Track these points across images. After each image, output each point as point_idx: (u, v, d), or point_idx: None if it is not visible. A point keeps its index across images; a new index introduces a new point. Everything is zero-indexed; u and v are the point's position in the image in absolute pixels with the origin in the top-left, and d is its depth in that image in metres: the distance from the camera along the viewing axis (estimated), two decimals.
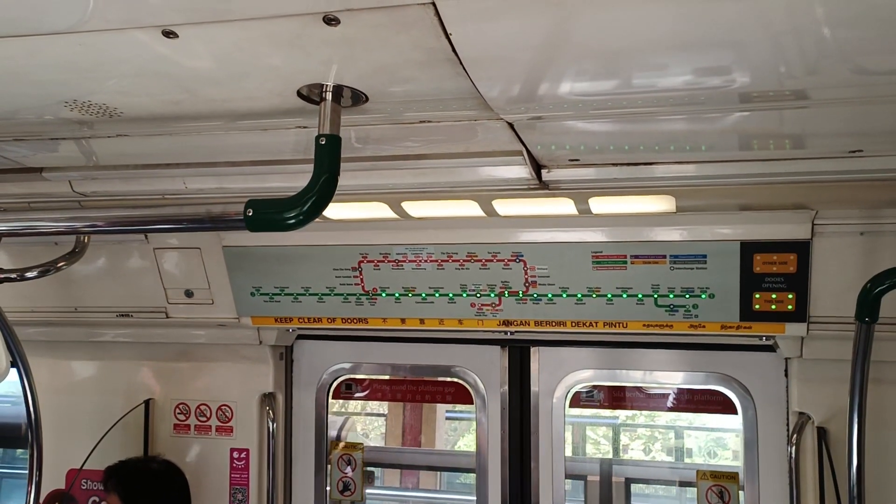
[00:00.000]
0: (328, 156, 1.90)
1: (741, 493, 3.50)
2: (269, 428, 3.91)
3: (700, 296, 3.10)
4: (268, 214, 1.94)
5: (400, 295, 3.46)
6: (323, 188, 1.90)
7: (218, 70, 1.75)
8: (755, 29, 1.47)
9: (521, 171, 2.51)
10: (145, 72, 1.78)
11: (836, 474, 3.10)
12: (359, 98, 1.91)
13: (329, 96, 1.86)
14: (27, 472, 3.41)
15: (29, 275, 3.20)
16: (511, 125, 2.14)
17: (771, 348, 3.36)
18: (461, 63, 1.66)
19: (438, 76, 1.76)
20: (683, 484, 4.07)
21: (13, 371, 3.16)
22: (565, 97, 1.90)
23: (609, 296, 3.21)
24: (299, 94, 1.89)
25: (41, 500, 3.57)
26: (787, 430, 3.35)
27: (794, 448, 3.21)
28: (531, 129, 2.20)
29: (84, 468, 3.94)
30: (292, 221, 1.90)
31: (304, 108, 1.98)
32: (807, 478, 3.22)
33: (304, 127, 2.19)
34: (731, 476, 3.53)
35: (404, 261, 3.37)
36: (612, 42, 1.55)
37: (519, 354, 3.82)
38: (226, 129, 2.26)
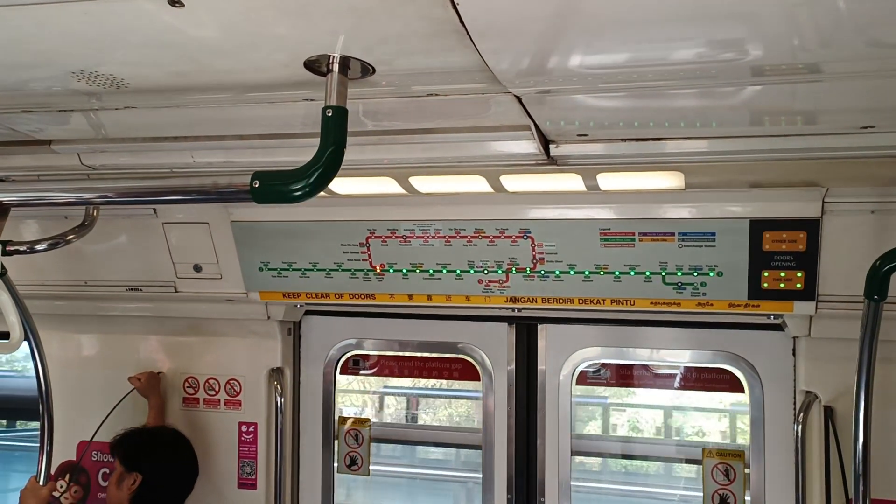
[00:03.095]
0: (335, 128, 1.90)
1: (747, 471, 3.50)
2: (276, 402, 3.94)
3: (708, 273, 3.09)
4: (274, 186, 1.94)
5: (407, 271, 3.47)
6: (329, 160, 1.90)
7: (224, 40, 1.74)
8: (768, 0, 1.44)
9: (529, 147, 2.49)
10: (151, 42, 1.77)
11: (842, 453, 3.10)
12: (366, 70, 1.90)
13: (336, 67, 1.85)
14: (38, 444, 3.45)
15: (39, 247, 3.22)
16: (519, 99, 2.13)
17: (779, 327, 3.35)
18: (468, 34, 1.64)
19: (445, 48, 1.75)
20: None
21: (24, 344, 3.19)
22: (574, 70, 1.88)
23: (617, 273, 3.20)
24: (306, 65, 1.88)
25: (52, 472, 3.61)
26: (794, 408, 3.35)
27: (800, 427, 3.21)
28: (539, 104, 2.18)
29: (94, 440, 3.99)
30: (299, 193, 1.90)
31: (312, 81, 1.97)
32: (813, 456, 3.22)
33: (312, 100, 2.18)
34: (737, 454, 3.54)
35: (412, 237, 3.36)
36: (623, 13, 1.54)
37: (526, 332, 3.82)
38: (233, 101, 2.25)
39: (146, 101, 2.26)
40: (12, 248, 3.05)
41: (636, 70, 1.88)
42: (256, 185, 1.95)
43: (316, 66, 1.88)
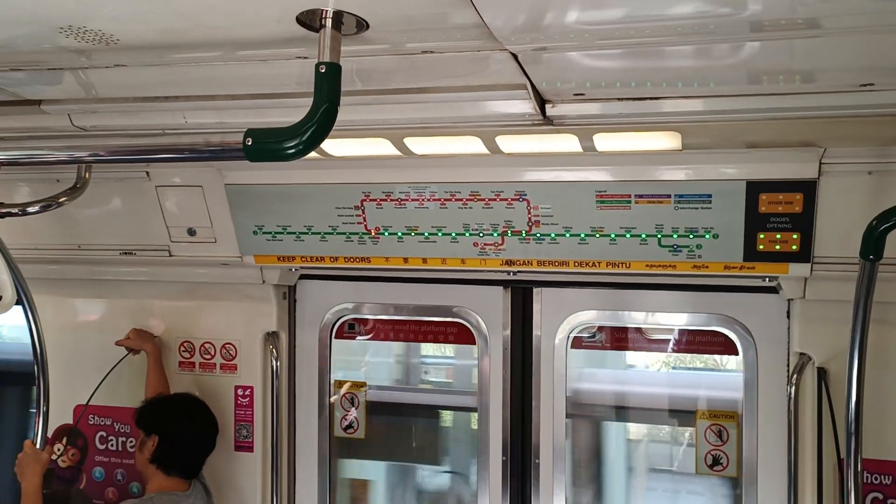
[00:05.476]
0: (328, 84, 1.87)
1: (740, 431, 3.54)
2: (272, 366, 3.95)
3: (704, 235, 3.08)
4: (267, 144, 1.91)
5: (402, 234, 3.45)
6: (323, 118, 1.87)
7: None
8: None
9: (525, 106, 2.47)
10: None
11: (834, 414, 3.12)
12: (360, 25, 1.87)
13: (329, 23, 1.81)
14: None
15: (31, 209, 3.21)
16: (515, 57, 2.10)
17: (774, 289, 3.35)
18: None
19: (441, 2, 1.72)
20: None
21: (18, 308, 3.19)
22: (571, 26, 1.85)
23: (612, 235, 3.20)
24: (298, 20, 1.84)
25: (49, 435, 3.63)
26: (788, 370, 3.37)
27: (793, 388, 3.23)
28: (536, 62, 2.15)
29: (90, 404, 4.00)
30: (292, 151, 1.88)
31: (305, 37, 1.94)
32: (805, 417, 3.25)
33: (305, 58, 2.15)
34: (731, 415, 3.56)
35: (407, 199, 3.35)
36: None
37: (522, 295, 3.82)
38: (225, 59, 2.22)
39: (137, 58, 2.22)
40: (4, 211, 3.04)
41: (633, 26, 1.85)
42: (249, 143, 1.93)
43: (309, 20, 1.84)
